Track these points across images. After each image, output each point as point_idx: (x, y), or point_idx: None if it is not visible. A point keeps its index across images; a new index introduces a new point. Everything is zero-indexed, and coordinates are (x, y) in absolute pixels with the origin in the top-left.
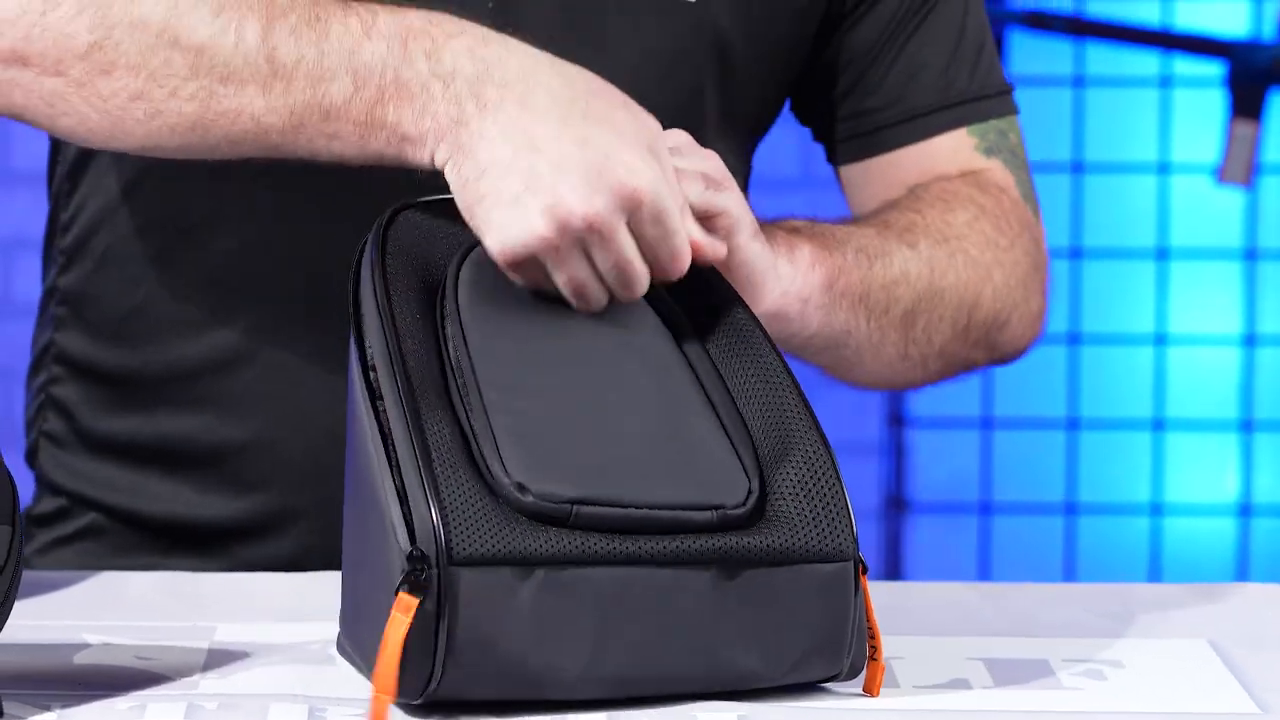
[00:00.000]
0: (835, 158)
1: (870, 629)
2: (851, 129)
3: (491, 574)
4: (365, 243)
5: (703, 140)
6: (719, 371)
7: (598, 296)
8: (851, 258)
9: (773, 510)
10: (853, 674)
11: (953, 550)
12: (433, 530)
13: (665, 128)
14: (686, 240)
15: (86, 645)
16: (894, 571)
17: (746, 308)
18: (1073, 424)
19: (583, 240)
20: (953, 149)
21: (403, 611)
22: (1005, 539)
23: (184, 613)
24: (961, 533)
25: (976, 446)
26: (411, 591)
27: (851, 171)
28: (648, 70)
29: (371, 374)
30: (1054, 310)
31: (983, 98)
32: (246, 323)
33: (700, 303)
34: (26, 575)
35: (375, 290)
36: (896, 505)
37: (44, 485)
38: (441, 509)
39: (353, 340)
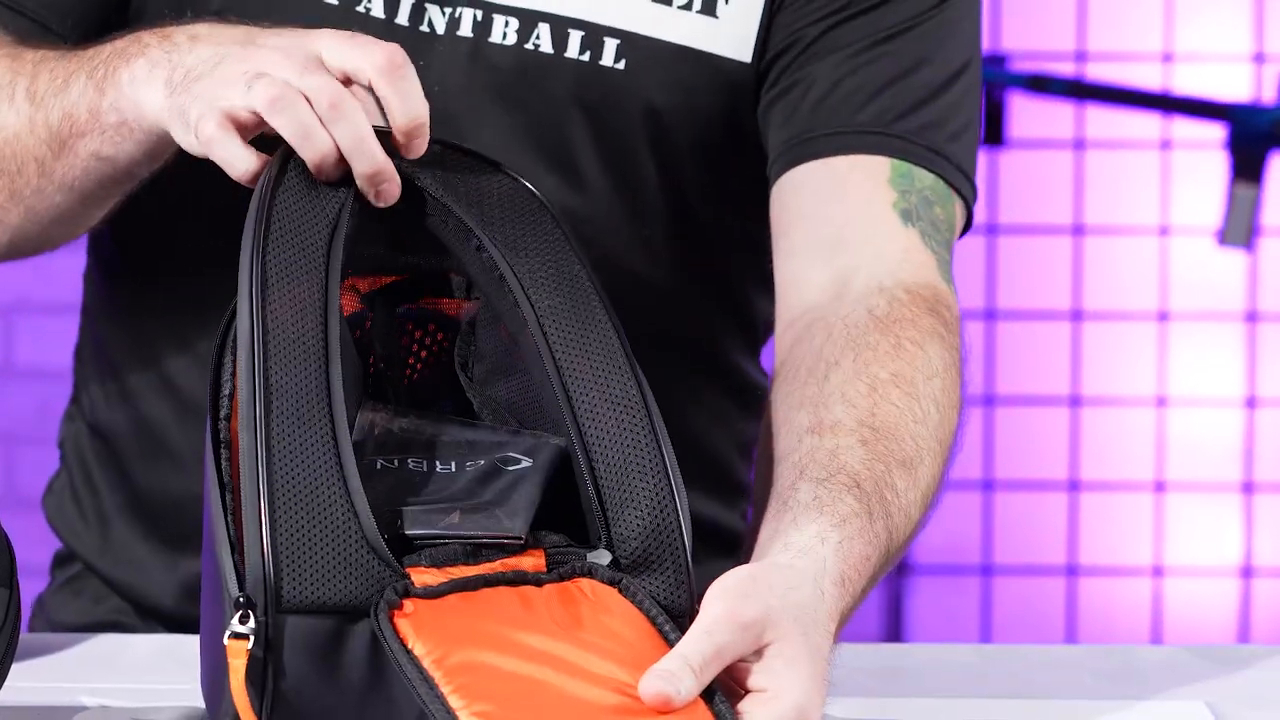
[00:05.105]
0: (769, 174)
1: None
2: (785, 143)
3: (319, 621)
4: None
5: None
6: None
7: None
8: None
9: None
10: None
11: (954, 612)
12: (263, 576)
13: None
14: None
15: (84, 708)
16: (895, 633)
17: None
18: (1074, 486)
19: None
20: (867, 182)
21: (235, 658)
22: (1006, 601)
23: (181, 675)
24: (962, 595)
25: (978, 508)
26: (238, 638)
27: (777, 188)
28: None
29: (222, 424)
30: (1056, 372)
31: (921, 144)
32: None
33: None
34: (24, 637)
35: (254, 324)
36: (898, 568)
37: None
38: (275, 554)
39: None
